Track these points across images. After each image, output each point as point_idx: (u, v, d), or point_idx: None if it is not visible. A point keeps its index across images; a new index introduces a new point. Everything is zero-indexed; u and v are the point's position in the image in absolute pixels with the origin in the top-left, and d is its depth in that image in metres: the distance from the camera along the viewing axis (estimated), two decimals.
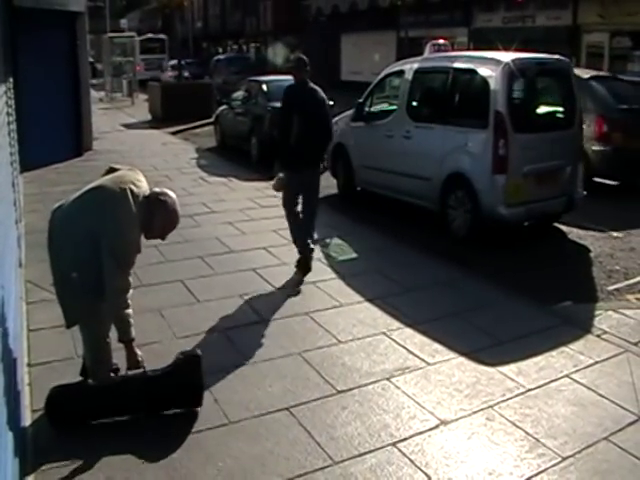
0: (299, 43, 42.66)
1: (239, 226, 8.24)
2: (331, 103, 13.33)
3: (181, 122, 18.51)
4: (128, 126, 19.23)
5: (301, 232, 6.45)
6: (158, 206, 3.82)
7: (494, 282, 6.30)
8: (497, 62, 7.56)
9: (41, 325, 5.22)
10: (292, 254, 7.04)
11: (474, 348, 4.85)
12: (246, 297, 5.83)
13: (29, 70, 11.76)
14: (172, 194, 3.96)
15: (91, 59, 27.70)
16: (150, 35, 42.32)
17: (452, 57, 8.66)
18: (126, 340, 3.82)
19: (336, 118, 10.81)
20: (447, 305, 5.69)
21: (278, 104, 13.05)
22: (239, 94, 15.32)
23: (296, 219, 6.47)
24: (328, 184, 10.89)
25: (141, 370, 3.87)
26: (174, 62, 27.06)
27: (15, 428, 3.17)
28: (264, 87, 13.92)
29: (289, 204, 6.46)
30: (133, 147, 14.98)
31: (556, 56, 8.23)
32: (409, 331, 5.16)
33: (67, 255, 3.79)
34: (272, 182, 6.71)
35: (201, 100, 20.03)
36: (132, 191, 3.73)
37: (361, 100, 9.69)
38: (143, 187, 3.88)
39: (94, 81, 22.35)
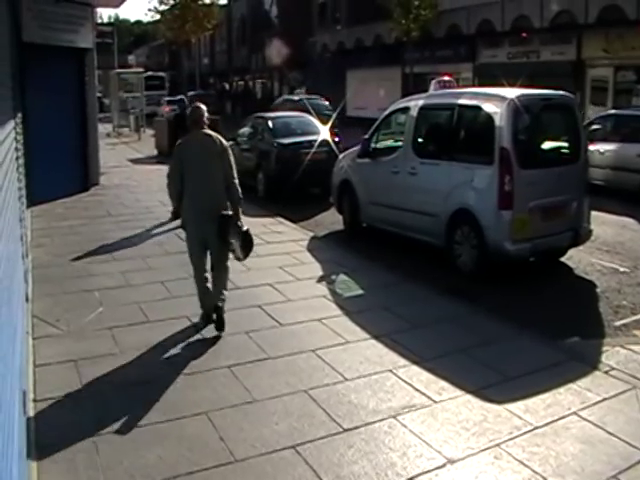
0: (305, 79, 43.30)
1: (245, 262, 8.12)
2: (337, 139, 13.67)
3: None
4: (135, 161, 19.48)
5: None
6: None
7: (501, 318, 6.32)
8: (502, 98, 7.68)
9: (47, 360, 5.26)
10: (298, 290, 7.09)
11: (481, 385, 4.86)
12: (252, 334, 5.87)
13: (38, 105, 11.94)
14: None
15: (99, 94, 28.13)
16: (150, 73, 43.41)
17: (457, 94, 8.80)
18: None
19: (342, 154, 10.98)
20: (454, 341, 5.70)
21: (285, 140, 13.56)
22: (245, 130, 15.52)
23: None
24: (334, 220, 10.99)
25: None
26: (170, 98, 27.36)
27: (18, 463, 3.19)
28: (270, 124, 14.14)
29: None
30: (140, 182, 15.15)
31: (560, 92, 8.37)
32: (416, 368, 5.17)
33: None
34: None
35: None
36: None
37: (367, 136, 9.82)
38: None
39: (101, 115, 22.64)
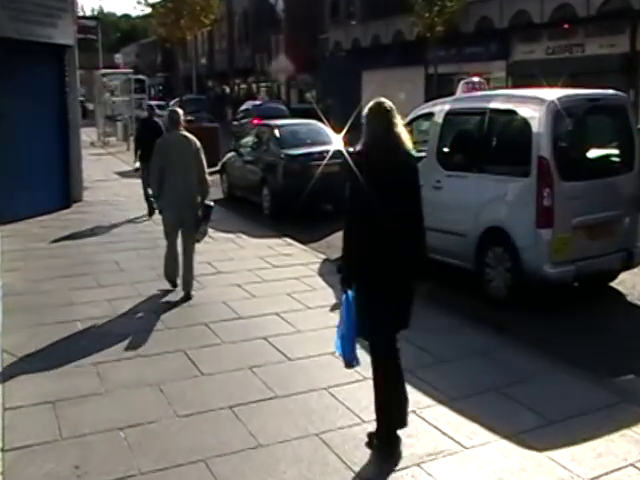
0: (315, 81, 43.64)
1: (249, 288, 8.36)
2: (351, 149, 13.73)
3: None
4: (123, 174, 19.69)
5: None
6: None
7: (539, 351, 6.31)
8: (540, 101, 7.69)
9: (19, 402, 5.29)
10: (309, 320, 7.12)
11: (518, 429, 4.84)
12: (256, 369, 5.90)
13: (10, 109, 11.85)
14: None
15: (81, 98, 28.48)
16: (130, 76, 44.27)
17: (488, 96, 8.88)
18: None
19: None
20: (485, 378, 5.70)
21: (293, 151, 13.69)
22: (248, 140, 15.68)
23: None
24: None
25: None
26: (151, 102, 27.71)
27: None
28: (276, 132, 14.29)
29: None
30: (129, 198, 15.29)
31: (610, 91, 8.38)
32: (442, 409, 5.17)
33: None
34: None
35: (205, 145, 20.44)
36: None
37: None
38: None
39: (84, 122, 22.94)
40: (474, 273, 8.20)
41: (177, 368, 5.95)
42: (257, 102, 33.94)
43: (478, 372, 5.84)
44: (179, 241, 8.25)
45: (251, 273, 9.11)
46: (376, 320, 4.56)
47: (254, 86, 55.05)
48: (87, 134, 30.85)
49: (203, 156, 8.27)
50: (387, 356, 4.64)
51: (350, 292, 4.56)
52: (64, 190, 13.93)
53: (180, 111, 8.53)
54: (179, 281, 8.21)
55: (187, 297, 8.02)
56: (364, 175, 4.45)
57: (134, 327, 7.00)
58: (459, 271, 8.55)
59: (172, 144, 8.20)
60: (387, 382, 4.63)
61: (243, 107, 32.82)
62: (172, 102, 37.03)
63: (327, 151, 13.14)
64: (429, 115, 9.32)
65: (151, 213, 12.68)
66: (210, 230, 11.90)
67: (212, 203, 8.46)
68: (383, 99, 4.73)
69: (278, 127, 14.58)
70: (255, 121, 26.06)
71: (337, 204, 12.82)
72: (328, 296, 7.97)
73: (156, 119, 14.47)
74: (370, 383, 5.52)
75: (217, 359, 6.15)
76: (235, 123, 31.51)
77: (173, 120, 8.37)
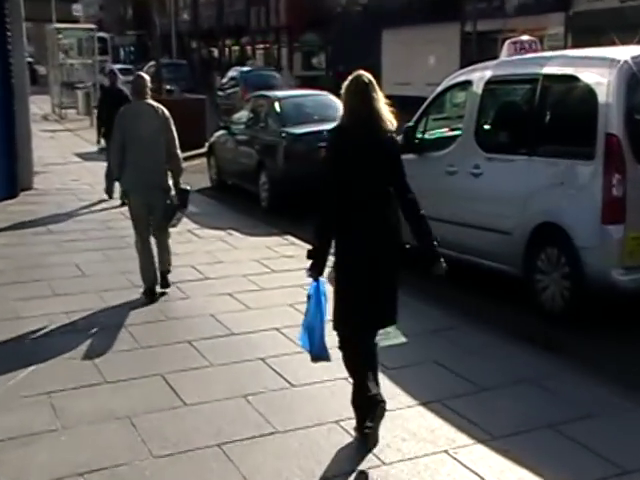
0: (324, 43, 43.60)
1: (242, 298, 8.42)
2: None
3: None
4: (85, 156, 19.78)
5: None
6: None
7: (606, 379, 6.31)
8: (609, 62, 7.68)
9: None
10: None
11: (581, 477, 4.84)
12: (252, 398, 5.93)
13: None
14: None
15: (29, 59, 28.51)
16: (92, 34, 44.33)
17: (542, 59, 8.84)
18: None
19: None
20: (536, 412, 5.70)
21: (297, 129, 13.73)
22: (242, 115, 15.73)
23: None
24: None
25: None
26: (113, 67, 27.81)
27: None
28: (277, 106, 14.34)
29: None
30: (93, 186, 15.35)
31: None
32: (482, 449, 5.19)
33: None
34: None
35: (189, 122, 20.51)
36: None
37: (411, 123, 9.91)
38: None
39: (35, 90, 22.97)
40: (521, 280, 8.22)
41: (153, 397, 5.97)
42: (245, 68, 34.72)
43: (527, 404, 5.85)
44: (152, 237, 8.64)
45: (245, 279, 9.15)
46: (346, 312, 5.18)
47: (249, 48, 55.13)
48: (38, 105, 30.90)
49: (173, 127, 8.61)
50: (354, 354, 5.31)
51: (321, 279, 5.12)
52: (9, 176, 13.98)
53: (146, 77, 8.92)
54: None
55: (163, 278, 8.62)
56: (341, 155, 5.09)
57: (99, 346, 7.04)
58: (502, 277, 8.57)
59: (135, 115, 8.56)
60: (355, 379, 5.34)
61: (229, 74, 33.54)
62: (146, 67, 37.06)
63: None
64: (466, 84, 9.35)
65: (110, 193, 12.66)
66: (195, 226, 12.07)
67: (188, 187, 8.87)
68: (362, 72, 5.25)
69: (279, 99, 14.65)
70: (244, 94, 26.43)
71: None
72: None
73: (121, 87, 14.57)
74: (393, 416, 5.58)
75: (203, 385, 6.17)
76: (220, 94, 31.74)
77: (138, 87, 8.73)
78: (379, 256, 5.13)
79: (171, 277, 8.89)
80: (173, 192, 8.53)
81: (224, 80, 33.83)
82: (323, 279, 5.15)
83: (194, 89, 39.34)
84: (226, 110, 28.80)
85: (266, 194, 13.79)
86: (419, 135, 9.89)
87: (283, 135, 13.54)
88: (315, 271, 5.14)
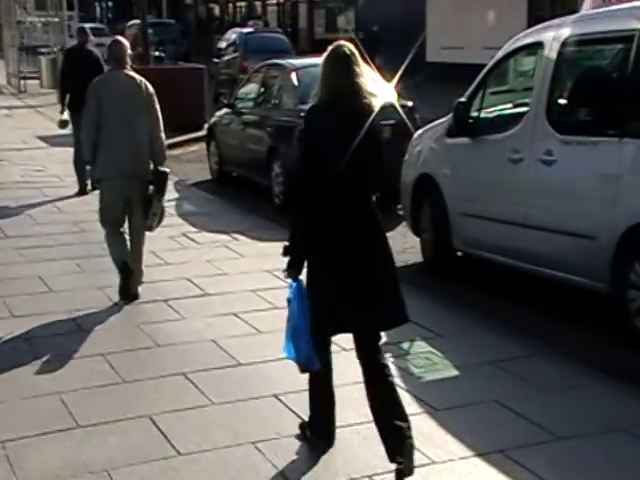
0: None
1: (250, 319, 8.40)
2: (409, 105, 13.75)
3: None
4: (51, 140, 19.86)
5: None
6: None
7: None
8: None
9: None
10: (344, 368, 7.08)
11: None
12: (262, 445, 5.90)
13: None
14: None
15: None
16: None
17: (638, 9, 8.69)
18: None
19: (419, 131, 11.04)
20: (633, 470, 5.62)
21: None
22: (249, 89, 15.72)
23: None
24: (405, 244, 11.08)
25: None
26: (83, 25, 27.75)
27: None
28: (293, 78, 14.30)
29: None
30: (62, 178, 15.46)
31: None
32: None
33: None
34: None
35: (185, 98, 20.65)
36: None
37: (463, 99, 9.86)
38: None
39: None
40: (609, 298, 8.15)
41: (139, 445, 5.95)
42: (245, 30, 35.16)
43: (619, 459, 5.77)
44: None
45: (254, 295, 9.11)
46: (325, 312, 5.54)
47: (258, 4, 55.15)
48: None
49: (157, 105, 8.91)
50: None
51: (301, 279, 5.58)
52: None
53: (125, 42, 9.13)
54: None
55: (133, 297, 8.88)
56: (319, 137, 5.46)
57: (70, 381, 7.02)
58: (582, 294, 8.51)
59: (113, 87, 8.85)
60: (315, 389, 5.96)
61: (227, 37, 34.48)
62: (127, 28, 37.19)
63: None
64: (535, 47, 9.26)
65: (83, 190, 12.91)
66: (191, 229, 12.07)
67: (167, 169, 9.14)
68: (343, 42, 5.67)
69: (296, 69, 14.59)
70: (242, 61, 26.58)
71: (386, 188, 12.82)
72: None
73: (91, 48, 14.65)
74: (443, 468, 5.54)
75: (202, 430, 6.14)
76: (216, 60, 31.93)
77: (115, 55, 8.96)
78: (361, 248, 5.48)
79: (162, 292, 8.96)
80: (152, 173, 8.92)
81: (222, 44, 34.06)
82: (302, 279, 5.58)
83: (187, 55, 39.51)
84: (223, 82, 28.92)
85: (280, 188, 13.76)
86: (474, 113, 9.85)
87: (301, 114, 13.49)
88: (293, 269, 5.57)
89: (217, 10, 60.64)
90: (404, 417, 5.46)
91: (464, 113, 9.84)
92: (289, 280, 5.64)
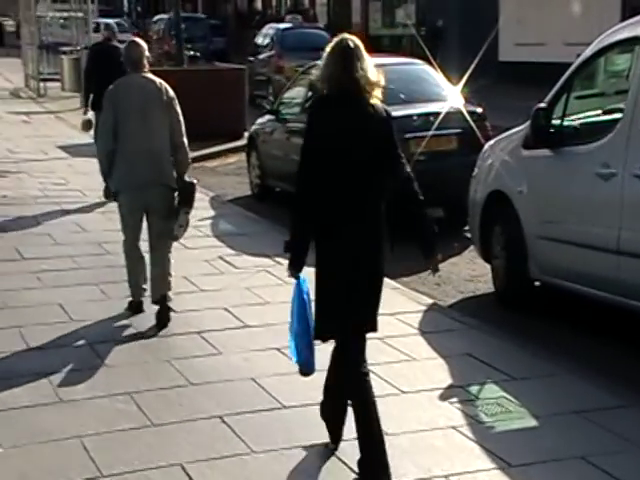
0: None
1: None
2: (479, 111, 13.73)
3: None
4: (73, 150, 19.99)
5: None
6: None
7: None
8: None
9: None
10: (404, 414, 7.13)
11: None
12: None
13: None
14: None
15: None
16: None
17: None
18: None
19: (490, 142, 11.00)
20: None
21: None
22: (297, 92, 15.73)
23: None
24: (473, 272, 11.11)
25: None
26: (106, 20, 27.60)
27: None
28: None
29: None
30: (84, 192, 15.60)
31: None
32: None
33: None
34: None
35: (223, 102, 20.79)
36: None
37: (543, 104, 9.81)
38: None
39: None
40: None
41: None
42: (282, 25, 35.65)
43: None
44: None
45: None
46: (328, 312, 6.12)
47: None
48: (5, 76, 31.37)
49: (179, 109, 9.35)
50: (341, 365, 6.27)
51: (302, 277, 6.19)
52: None
53: (142, 44, 9.65)
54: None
55: (161, 305, 9.17)
56: (322, 131, 5.98)
57: (93, 423, 7.05)
58: None
59: (129, 92, 9.30)
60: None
61: (264, 32, 34.81)
62: (154, 20, 37.40)
63: (435, 113, 13.27)
64: (631, 42, 9.13)
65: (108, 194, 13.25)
66: (229, 252, 12.10)
67: (194, 180, 9.58)
68: (347, 35, 6.15)
69: None
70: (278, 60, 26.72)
71: (453, 206, 12.78)
72: (437, 371, 8.04)
73: (117, 45, 14.88)
74: None
75: None
76: (251, 59, 32.11)
77: (133, 57, 9.43)
78: (363, 249, 6.05)
79: (196, 323, 9.00)
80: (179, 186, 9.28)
81: (258, 40, 34.32)
82: (304, 277, 6.20)
83: (225, 54, 39.69)
84: (259, 83, 29.01)
85: None
86: (556, 121, 9.74)
87: None
88: (294, 267, 6.17)
89: (259, 3, 60.86)
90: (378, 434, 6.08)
91: (544, 121, 9.73)
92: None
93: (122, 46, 14.67)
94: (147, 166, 9.06)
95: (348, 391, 6.24)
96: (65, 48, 28.97)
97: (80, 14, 29.02)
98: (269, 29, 34.86)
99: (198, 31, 39.67)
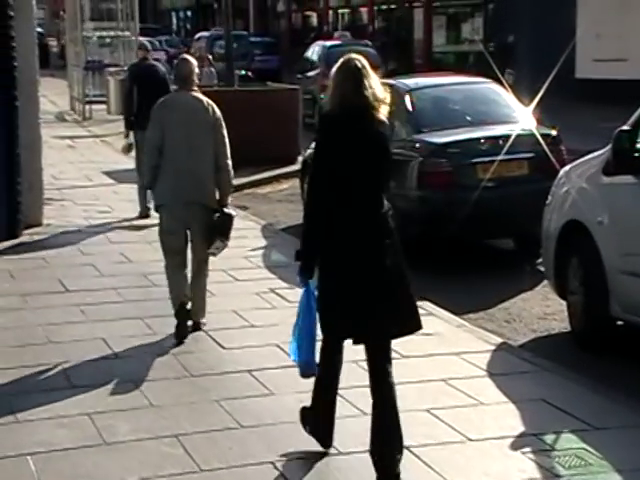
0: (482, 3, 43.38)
1: (352, 397, 8.19)
2: (553, 134, 13.68)
3: (234, 169, 19.19)
4: (119, 176, 20.19)
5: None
6: None
7: None
8: None
9: None
10: (470, 462, 7.07)
11: None
12: None
13: None
14: None
15: (39, 29, 28.82)
16: None
17: None
18: None
19: (566, 168, 10.93)
20: None
21: (440, 137, 13.72)
22: None
23: None
24: (546, 309, 11.02)
25: None
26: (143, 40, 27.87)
27: None
28: (407, 100, 14.36)
29: None
30: (130, 221, 15.76)
31: None
32: None
33: None
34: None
35: (275, 125, 20.87)
36: None
37: (627, 126, 9.72)
38: None
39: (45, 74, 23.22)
40: None
41: None
42: (329, 42, 36.60)
43: None
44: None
45: (358, 368, 8.87)
46: (331, 315, 6.78)
47: (364, 10, 55.22)
48: (50, 98, 31.62)
49: (224, 131, 9.93)
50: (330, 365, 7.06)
51: (312, 282, 6.83)
52: (6, 208, 14.20)
53: (192, 61, 10.22)
54: None
55: (195, 327, 10.00)
56: (332, 146, 6.73)
57: (138, 467, 7.09)
58: None
59: (176, 110, 9.89)
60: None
61: (312, 50, 35.64)
62: (196, 37, 37.61)
63: (505, 136, 13.20)
64: None
65: (145, 213, 14.63)
66: (281, 285, 12.08)
67: (233, 212, 10.25)
68: (355, 55, 6.92)
69: (410, 90, 14.68)
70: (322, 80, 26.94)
71: (525, 237, 12.72)
72: (512, 427, 7.83)
73: (155, 63, 15.23)
74: None
75: None
76: (299, 76, 32.62)
77: (182, 74, 10.01)
78: (369, 256, 6.70)
79: (246, 361, 9.10)
80: (218, 215, 9.89)
81: (307, 57, 34.77)
82: (313, 282, 6.82)
83: (277, 72, 40.02)
84: (306, 101, 29.20)
85: None
86: None
87: (417, 146, 13.54)
88: (305, 275, 6.85)
89: (315, 18, 61.08)
90: (398, 442, 6.73)
91: (628, 144, 9.59)
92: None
93: (160, 65, 15.14)
94: (189, 185, 9.62)
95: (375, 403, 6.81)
96: (111, 69, 29.17)
97: (127, 33, 29.28)
98: (316, 46, 35.70)
99: (240, 48, 39.90)
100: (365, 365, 6.98)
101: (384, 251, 6.74)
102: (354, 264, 6.64)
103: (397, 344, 9.64)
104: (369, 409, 6.86)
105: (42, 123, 15.98)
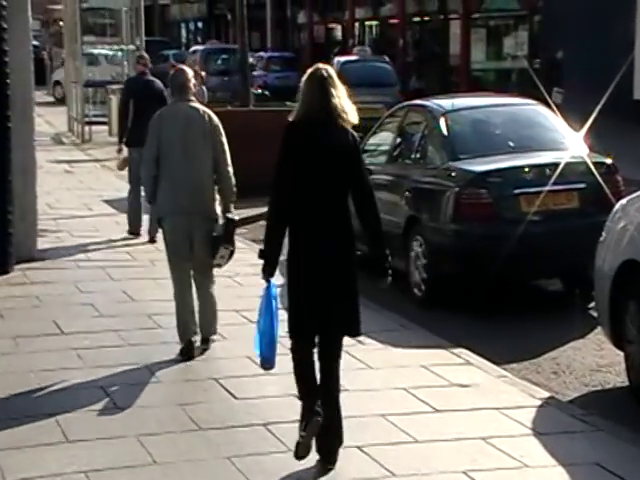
0: (527, 10, 43.50)
1: (381, 455, 8.31)
2: (607, 162, 13.65)
3: (246, 198, 18.76)
4: (120, 204, 20.06)
5: None
6: None
7: None
8: None
9: None
10: None
11: None
12: None
13: None
14: None
15: (35, 42, 28.98)
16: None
17: None
18: None
19: (622, 201, 10.89)
20: None
21: (479, 165, 13.73)
22: (381, 139, 15.77)
23: None
24: (600, 360, 10.97)
25: None
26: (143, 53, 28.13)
27: None
28: (442, 123, 14.40)
29: None
30: (133, 255, 15.83)
31: None
32: None
33: None
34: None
35: None
36: None
37: None
38: None
39: (42, 93, 23.37)
40: None
41: None
42: (344, 58, 38.84)
43: None
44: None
45: (387, 423, 9.06)
46: (297, 316, 8.02)
47: (395, 22, 55.38)
48: (46, 118, 31.84)
49: (224, 138, 10.75)
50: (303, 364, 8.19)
51: (273, 281, 7.94)
52: None
53: (189, 71, 10.91)
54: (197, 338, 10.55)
55: (205, 344, 10.84)
56: (294, 151, 7.74)
57: None
58: None
59: (173, 120, 10.77)
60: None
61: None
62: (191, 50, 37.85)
63: (553, 165, 13.18)
64: None
65: (135, 231, 16.21)
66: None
67: (236, 217, 11.04)
68: (322, 64, 7.97)
69: (445, 112, 14.71)
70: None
71: (576, 278, 12.69)
72: None
73: (152, 78, 15.99)
74: None
75: None
76: None
77: (178, 84, 10.84)
78: (331, 258, 7.86)
79: (261, 414, 9.09)
80: (220, 222, 10.33)
81: None
82: (274, 281, 7.95)
83: (295, 91, 40.53)
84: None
85: (421, 274, 13.76)
86: None
87: (453, 174, 13.52)
88: (266, 273, 7.90)
89: (339, 31, 61.28)
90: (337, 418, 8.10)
91: None
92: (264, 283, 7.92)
93: (157, 80, 15.63)
94: (188, 195, 10.46)
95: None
96: (113, 87, 29.22)
97: (132, 47, 29.36)
98: (334, 62, 35.64)
99: (236, 63, 40.11)
100: None
101: (346, 253, 8.00)
102: (318, 267, 7.76)
103: (428, 396, 9.74)
104: None
105: (37, 146, 16.06)
